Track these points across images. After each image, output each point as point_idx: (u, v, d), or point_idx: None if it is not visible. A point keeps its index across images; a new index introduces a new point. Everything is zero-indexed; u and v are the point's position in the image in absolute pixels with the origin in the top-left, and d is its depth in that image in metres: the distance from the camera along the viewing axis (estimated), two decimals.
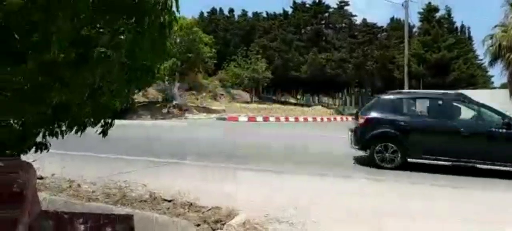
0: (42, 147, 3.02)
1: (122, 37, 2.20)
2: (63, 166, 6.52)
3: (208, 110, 31.80)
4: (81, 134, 2.86)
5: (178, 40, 31.39)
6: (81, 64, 2.09)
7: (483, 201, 6.30)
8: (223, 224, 4.60)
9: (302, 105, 56.68)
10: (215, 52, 34.13)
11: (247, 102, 45.15)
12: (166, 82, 30.89)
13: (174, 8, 2.70)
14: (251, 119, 26.93)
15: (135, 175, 6.69)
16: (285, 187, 6.67)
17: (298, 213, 4.98)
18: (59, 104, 2.18)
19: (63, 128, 2.72)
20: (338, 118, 39.96)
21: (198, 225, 4.66)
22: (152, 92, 36.15)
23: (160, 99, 33.25)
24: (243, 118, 26.86)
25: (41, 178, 6.19)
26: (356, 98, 67.15)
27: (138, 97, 34.72)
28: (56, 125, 2.65)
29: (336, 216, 4.93)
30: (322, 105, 58.93)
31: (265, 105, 43.52)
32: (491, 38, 21.62)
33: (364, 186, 7.04)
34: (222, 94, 48.21)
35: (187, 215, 4.86)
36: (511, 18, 20.95)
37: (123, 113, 26.24)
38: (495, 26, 21.88)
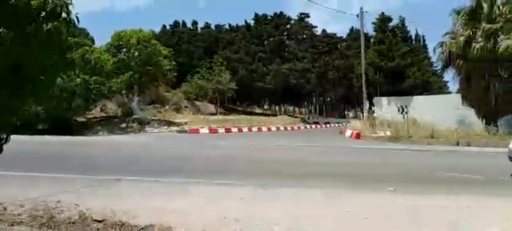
0: None
1: None
2: None
3: (170, 123, 31.20)
4: None
5: (136, 53, 30.79)
6: None
7: None
8: None
9: (268, 115, 57.04)
10: (175, 65, 33.71)
11: (213, 114, 44.83)
12: (124, 97, 30.06)
13: (64, 15, 2.52)
14: (213, 131, 26.64)
15: (70, 196, 6.30)
16: (226, 199, 6.48)
17: (239, 225, 4.82)
18: None
19: None
20: (302, 126, 40.48)
21: None
22: (111, 107, 35.12)
23: (119, 114, 32.32)
24: (204, 130, 26.52)
25: None
26: (320, 107, 68.64)
27: (96, 113, 33.65)
28: None
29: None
30: (288, 115, 59.64)
31: (230, 117, 43.36)
32: (442, 45, 22.52)
33: None
34: (187, 107, 47.63)
35: None
36: (458, 26, 21.98)
37: (78, 130, 25.27)
38: (446, 34, 22.89)
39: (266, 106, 70.25)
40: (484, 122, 20.15)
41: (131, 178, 8.31)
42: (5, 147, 2.93)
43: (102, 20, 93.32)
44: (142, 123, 28.93)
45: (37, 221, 5.01)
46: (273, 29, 57.50)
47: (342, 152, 15.25)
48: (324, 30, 61.86)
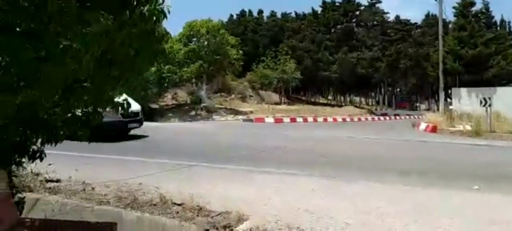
0: (36, 155, 2.90)
1: (90, 29, 2.01)
2: (76, 169, 6.50)
3: (236, 112, 31.77)
4: (55, 144, 2.70)
5: (205, 43, 31.64)
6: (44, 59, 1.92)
7: None
8: (232, 230, 4.39)
9: (332, 105, 55.70)
10: (242, 54, 34.10)
11: (277, 104, 44.82)
12: (194, 85, 31.16)
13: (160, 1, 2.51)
14: (278, 121, 26.60)
15: (150, 179, 6.60)
16: (294, 190, 6.34)
17: (313, 218, 4.68)
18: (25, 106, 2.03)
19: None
20: (370, 118, 38.90)
21: (207, 230, 4.47)
22: (182, 95, 36.62)
23: (189, 102, 33.62)
24: (269, 120, 26.58)
25: (58, 180, 6.23)
26: (388, 98, 65.33)
27: (167, 100, 35.35)
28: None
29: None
30: (354, 105, 57.72)
31: (294, 106, 43.04)
32: None
33: None
34: (251, 96, 48.17)
35: (196, 219, 4.68)
36: None
37: (151, 116, 26.69)
38: None
39: (330, 97, 68.68)
40: None
41: (202, 164, 8.56)
42: None
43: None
44: (210, 111, 29.80)
45: (122, 202, 5.31)
46: (341, 16, 55.67)
47: (418, 147, 14.33)
48: (397, 16, 58.60)
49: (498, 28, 49.75)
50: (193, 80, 29.43)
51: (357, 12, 57.44)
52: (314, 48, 52.05)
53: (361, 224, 4.56)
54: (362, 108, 54.97)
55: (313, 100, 59.21)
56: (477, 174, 8.12)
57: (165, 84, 28.67)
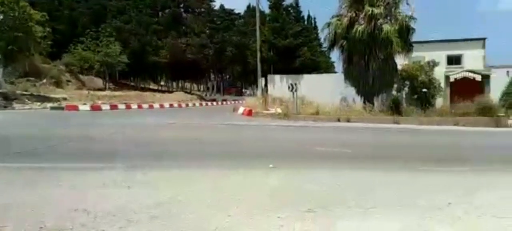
0: None
1: None
2: None
3: (45, 99, 27.40)
4: None
5: (1, 17, 25.98)
6: None
7: None
8: None
9: (163, 91, 54.54)
10: (50, 31, 29.41)
11: (101, 90, 40.99)
12: None
13: None
14: (96, 108, 24.07)
15: None
16: (88, 186, 5.35)
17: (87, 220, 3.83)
18: None
19: None
20: (198, 103, 39.55)
21: None
22: None
23: None
24: (85, 107, 23.79)
25: None
26: (217, 84, 68.22)
27: None
28: None
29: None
30: (185, 91, 57.86)
31: (120, 92, 40.17)
32: (328, 26, 23.56)
33: None
34: (69, 81, 42.66)
35: None
36: (344, 8, 23.14)
37: None
38: (333, 16, 24.00)
39: (162, 83, 67.28)
40: (363, 99, 21.71)
41: None
42: None
43: None
44: (8, 98, 24.74)
45: None
46: (168, 0, 54.51)
47: (224, 129, 14.88)
48: (222, 5, 61.02)
49: (305, 22, 57.32)
50: None
51: None
52: (142, 31, 49.60)
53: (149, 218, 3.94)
54: (193, 94, 55.67)
55: (143, 86, 56.74)
56: (271, 152, 8.66)
57: None
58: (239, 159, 7.86)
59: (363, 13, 21.12)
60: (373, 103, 20.82)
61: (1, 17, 26.38)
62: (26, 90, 29.25)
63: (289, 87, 22.38)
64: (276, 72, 32.54)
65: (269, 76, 30.38)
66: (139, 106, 28.29)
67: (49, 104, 24.95)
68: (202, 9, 58.57)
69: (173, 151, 9.03)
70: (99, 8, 51.55)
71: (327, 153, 8.91)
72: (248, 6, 61.52)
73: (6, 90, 26.54)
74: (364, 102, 21.00)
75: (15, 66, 30.72)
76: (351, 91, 22.36)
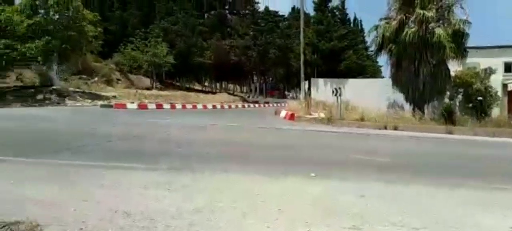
0: None
1: None
2: None
3: (96, 97, 28.69)
4: None
5: (57, 16, 27.53)
6: None
7: None
8: None
9: (207, 92, 55.42)
10: (101, 31, 30.75)
11: (148, 89, 42.40)
12: (42, 64, 26.93)
13: None
14: (142, 106, 24.82)
15: None
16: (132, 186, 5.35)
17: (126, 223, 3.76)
18: None
19: None
20: (240, 105, 39.74)
21: None
22: (29, 76, 31.47)
23: (37, 84, 29.05)
24: (132, 106, 24.59)
25: None
26: (260, 86, 68.33)
27: (11, 82, 29.98)
28: None
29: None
30: (228, 93, 58.49)
31: (165, 92, 41.32)
32: (376, 29, 22.73)
33: None
34: (119, 80, 44.53)
35: None
36: (393, 10, 22.23)
37: None
38: (381, 19, 23.13)
39: (206, 84, 68.48)
40: (412, 106, 20.65)
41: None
42: None
43: None
44: (62, 95, 26.16)
45: None
46: (214, 1, 55.35)
47: (270, 134, 14.63)
48: (266, 7, 60.97)
49: (352, 25, 55.91)
50: (39, 58, 25.23)
51: None
52: (188, 33, 50.71)
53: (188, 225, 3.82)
54: (236, 95, 56.12)
55: (188, 86, 58.00)
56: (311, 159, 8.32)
57: (3, 63, 23.91)
58: (279, 164, 7.63)
59: (414, 16, 20.07)
60: (423, 111, 19.73)
61: (57, 16, 27.94)
62: (78, 88, 30.84)
63: (333, 92, 21.78)
64: (320, 75, 31.95)
65: (313, 80, 29.87)
66: (183, 107, 28.85)
67: (100, 102, 26.07)
68: (247, 11, 58.93)
69: (214, 153, 8.94)
70: (148, 10, 53.42)
71: (372, 162, 8.42)
72: (293, 8, 61.16)
73: (59, 87, 28.10)
74: (413, 109, 19.94)
75: (68, 64, 32.49)
76: (399, 97, 21.36)
